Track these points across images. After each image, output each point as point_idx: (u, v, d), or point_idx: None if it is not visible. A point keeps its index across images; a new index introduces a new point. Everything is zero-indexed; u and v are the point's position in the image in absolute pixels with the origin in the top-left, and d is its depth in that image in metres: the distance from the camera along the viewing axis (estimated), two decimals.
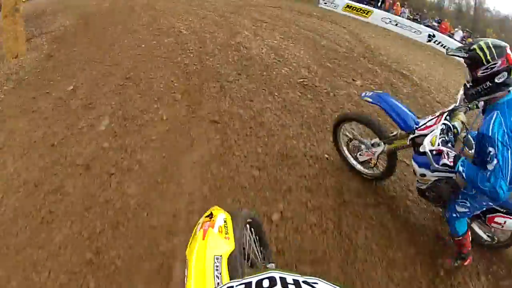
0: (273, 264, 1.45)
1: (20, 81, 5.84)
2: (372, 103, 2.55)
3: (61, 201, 2.93)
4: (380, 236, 2.54)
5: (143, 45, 6.54)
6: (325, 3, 15.68)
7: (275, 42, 7.25)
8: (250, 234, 1.46)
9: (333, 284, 0.55)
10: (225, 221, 1.20)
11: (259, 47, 6.63)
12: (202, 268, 1.00)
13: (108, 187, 3.05)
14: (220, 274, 1.00)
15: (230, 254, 1.08)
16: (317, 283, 0.54)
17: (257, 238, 1.55)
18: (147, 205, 2.80)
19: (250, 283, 0.54)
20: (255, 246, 1.50)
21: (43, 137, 3.92)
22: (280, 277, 0.54)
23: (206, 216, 1.24)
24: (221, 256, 1.05)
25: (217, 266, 1.01)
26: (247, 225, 1.44)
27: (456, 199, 2.17)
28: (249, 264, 1.34)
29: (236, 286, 0.55)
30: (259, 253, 1.53)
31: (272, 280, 0.53)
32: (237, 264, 1.08)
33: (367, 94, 2.62)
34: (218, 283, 0.96)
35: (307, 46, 7.35)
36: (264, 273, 0.57)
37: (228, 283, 0.58)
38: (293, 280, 0.54)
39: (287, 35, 8.14)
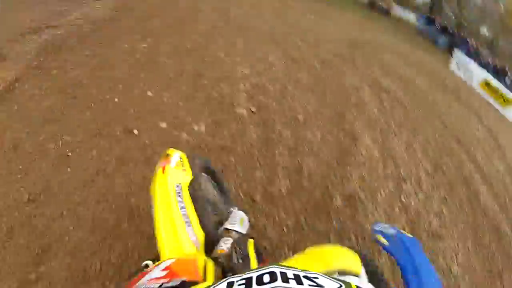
0: (236, 207, 1.46)
1: None
2: (386, 250, 1.17)
3: None
4: None
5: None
6: (459, 69, 11.24)
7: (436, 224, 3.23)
8: (209, 181, 1.52)
9: (333, 278, 0.53)
10: (180, 158, 1.26)
11: None
12: (165, 195, 1.08)
13: None
14: (182, 198, 1.09)
15: (190, 183, 1.18)
16: (318, 278, 0.53)
17: (216, 184, 1.60)
18: None
19: (251, 278, 0.53)
20: (216, 192, 1.56)
21: None
22: (281, 272, 0.53)
23: (163, 157, 1.27)
24: (180, 184, 1.14)
25: (178, 192, 1.10)
26: (204, 173, 1.48)
27: None
28: (214, 211, 1.38)
29: (237, 281, 0.53)
30: (221, 198, 1.57)
31: (272, 275, 0.52)
32: (198, 191, 1.18)
33: (382, 228, 1.23)
34: (182, 207, 1.09)
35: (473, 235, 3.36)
36: (265, 268, 0.56)
37: (228, 277, 0.55)
38: (294, 275, 0.53)
39: (439, 172, 4.03)
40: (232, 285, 0.53)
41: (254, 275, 0.54)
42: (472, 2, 20.93)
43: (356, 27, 10.77)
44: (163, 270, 0.81)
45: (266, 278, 0.52)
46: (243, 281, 0.53)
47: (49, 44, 4.30)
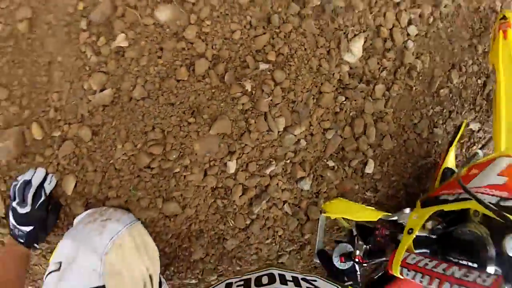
0: None
1: None
2: None
3: None
4: None
5: None
6: None
7: None
8: None
9: (331, 282, 0.53)
10: None
11: None
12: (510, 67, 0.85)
13: None
14: None
15: None
16: (316, 280, 0.52)
17: None
18: None
19: (249, 279, 0.52)
20: None
21: None
22: (279, 274, 0.53)
23: (500, 19, 1.01)
24: None
25: None
26: None
27: None
28: None
29: (235, 282, 0.53)
30: None
31: (271, 277, 0.52)
32: None
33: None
34: None
35: None
36: (264, 270, 0.55)
37: (227, 279, 0.55)
38: (292, 277, 0.52)
39: None
40: (231, 286, 0.52)
41: (253, 276, 0.53)
42: None
43: None
44: (500, 174, 0.60)
45: (265, 280, 0.51)
46: (242, 282, 0.52)
47: None
